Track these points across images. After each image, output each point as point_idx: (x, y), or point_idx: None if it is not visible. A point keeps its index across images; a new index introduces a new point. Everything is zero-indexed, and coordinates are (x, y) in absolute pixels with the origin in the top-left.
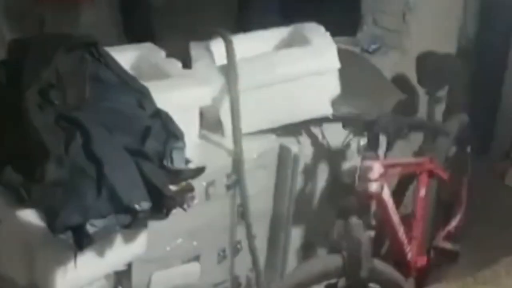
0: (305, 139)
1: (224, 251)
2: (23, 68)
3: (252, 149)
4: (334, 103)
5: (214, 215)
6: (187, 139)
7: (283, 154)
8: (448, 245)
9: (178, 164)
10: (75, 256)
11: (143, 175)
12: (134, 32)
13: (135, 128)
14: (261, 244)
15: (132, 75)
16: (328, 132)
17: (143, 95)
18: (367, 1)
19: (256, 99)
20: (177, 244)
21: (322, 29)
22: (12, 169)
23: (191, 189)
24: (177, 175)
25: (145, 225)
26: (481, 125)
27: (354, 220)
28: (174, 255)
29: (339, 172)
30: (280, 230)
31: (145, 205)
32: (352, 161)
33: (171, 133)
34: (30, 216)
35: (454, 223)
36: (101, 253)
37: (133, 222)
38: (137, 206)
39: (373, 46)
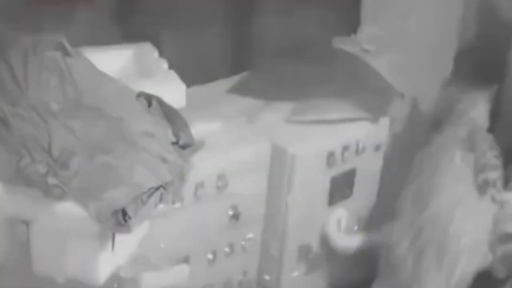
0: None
1: (214, 253)
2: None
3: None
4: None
5: (204, 216)
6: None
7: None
8: None
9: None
10: (113, 242)
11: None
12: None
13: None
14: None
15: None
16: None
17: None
18: (367, 1)
19: None
20: (166, 245)
21: None
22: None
23: None
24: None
25: None
26: None
27: None
28: (163, 256)
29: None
30: (274, 235)
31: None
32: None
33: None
34: (61, 210)
35: None
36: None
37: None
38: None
39: (373, 47)
